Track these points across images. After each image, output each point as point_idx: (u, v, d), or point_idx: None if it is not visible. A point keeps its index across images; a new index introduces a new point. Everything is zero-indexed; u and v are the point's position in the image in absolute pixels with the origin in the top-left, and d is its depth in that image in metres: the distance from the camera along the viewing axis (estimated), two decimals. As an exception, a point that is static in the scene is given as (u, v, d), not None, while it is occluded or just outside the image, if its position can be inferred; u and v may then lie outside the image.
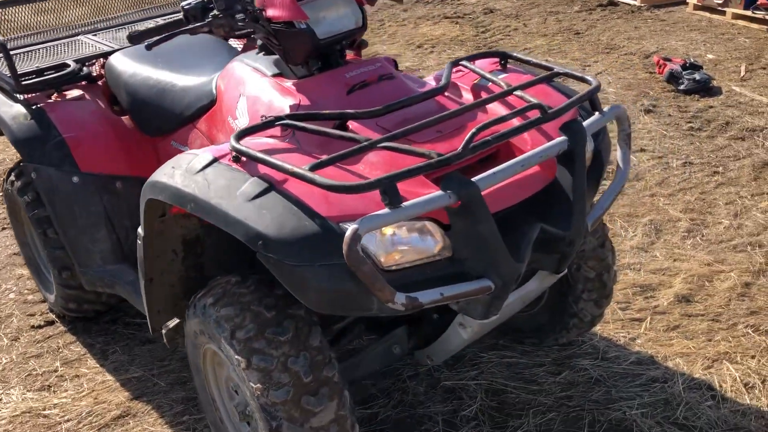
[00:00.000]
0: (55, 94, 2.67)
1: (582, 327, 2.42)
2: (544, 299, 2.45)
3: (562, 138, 1.75)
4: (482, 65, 2.21)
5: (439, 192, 1.53)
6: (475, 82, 2.11)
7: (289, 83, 1.99)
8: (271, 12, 1.96)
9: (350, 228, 1.44)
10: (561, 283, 2.34)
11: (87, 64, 2.82)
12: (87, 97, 2.69)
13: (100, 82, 2.77)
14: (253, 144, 1.75)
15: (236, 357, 1.72)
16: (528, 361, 2.51)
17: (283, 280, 1.57)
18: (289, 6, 1.93)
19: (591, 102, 1.90)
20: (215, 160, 1.70)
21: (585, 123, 1.84)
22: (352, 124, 1.85)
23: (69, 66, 2.70)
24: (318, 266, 1.51)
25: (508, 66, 2.18)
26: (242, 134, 1.72)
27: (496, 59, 2.19)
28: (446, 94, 2.02)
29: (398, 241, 1.61)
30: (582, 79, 2.00)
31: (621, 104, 2.00)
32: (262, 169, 1.63)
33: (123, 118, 2.68)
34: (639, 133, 4.20)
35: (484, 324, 1.87)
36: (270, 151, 1.71)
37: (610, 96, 4.78)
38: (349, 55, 2.35)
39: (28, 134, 2.53)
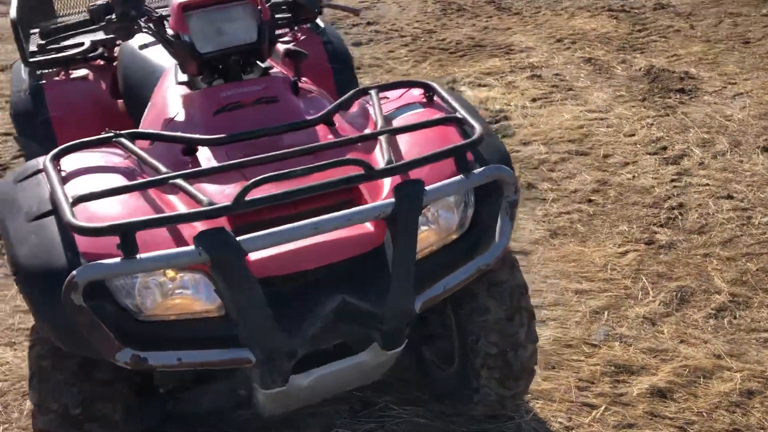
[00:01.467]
0: (62, 73, 2.83)
1: (488, 405, 2.11)
2: (456, 361, 2.18)
3: (386, 201, 1.52)
4: (410, 95, 1.98)
5: (189, 248, 1.41)
6: (386, 114, 1.90)
7: (182, 94, 1.94)
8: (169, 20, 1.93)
9: (70, 274, 1.37)
10: (462, 350, 2.06)
11: (110, 45, 2.96)
12: (91, 78, 2.83)
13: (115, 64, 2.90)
14: (83, 158, 1.72)
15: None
16: (440, 426, 2.25)
17: (31, 312, 1.55)
18: (174, 16, 1.88)
19: (458, 158, 1.61)
20: (38, 171, 1.69)
21: (439, 185, 1.58)
22: (201, 148, 1.77)
23: (83, 45, 2.85)
24: (54, 305, 1.46)
25: (434, 100, 1.93)
26: (69, 148, 1.70)
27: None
28: (337, 124, 1.86)
29: (175, 290, 1.52)
30: (462, 124, 1.72)
31: (504, 167, 1.68)
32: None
33: (119, 102, 2.79)
34: (739, 175, 3.53)
35: (285, 392, 1.69)
36: (79, 171, 1.67)
37: (732, 124, 4.06)
38: (285, 68, 2.24)
39: (23, 108, 2.73)
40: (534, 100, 4.70)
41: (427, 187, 1.55)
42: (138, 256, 1.37)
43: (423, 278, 1.63)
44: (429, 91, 1.91)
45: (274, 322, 1.45)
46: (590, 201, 3.45)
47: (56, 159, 1.64)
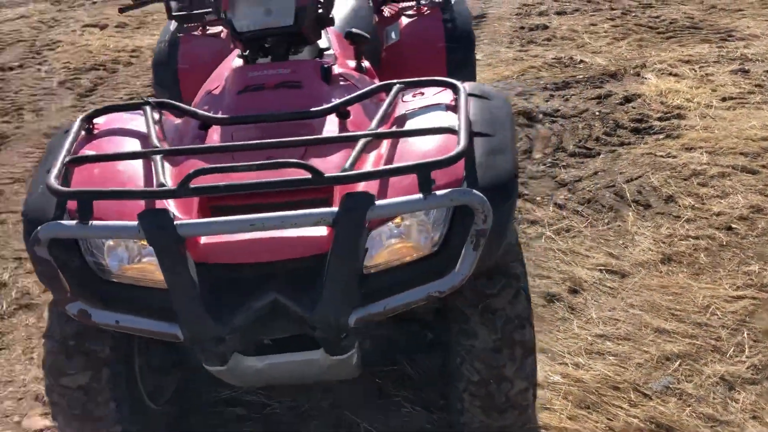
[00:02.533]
0: (199, 29, 3.06)
1: (474, 430, 1.99)
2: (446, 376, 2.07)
3: (328, 210, 1.48)
4: (442, 96, 1.87)
5: (132, 223, 1.50)
6: (406, 113, 1.83)
7: (233, 68, 2.03)
8: None
9: (35, 230, 1.54)
10: (449, 368, 1.96)
11: None
12: (222, 36, 3.02)
13: None
14: (113, 121, 1.88)
15: None
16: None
17: None
18: None
19: (421, 176, 1.50)
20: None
21: (390, 202, 1.50)
22: (214, 126, 1.85)
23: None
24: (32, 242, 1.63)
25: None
26: (104, 110, 1.88)
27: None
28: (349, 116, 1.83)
29: (142, 257, 1.63)
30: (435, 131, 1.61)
31: (473, 192, 1.52)
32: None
33: None
34: None
35: (235, 371, 1.73)
36: (102, 133, 1.83)
37: None
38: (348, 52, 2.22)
39: (159, 58, 3.02)
40: (724, 99, 4.12)
41: (377, 202, 1.47)
42: (90, 222, 1.49)
43: (372, 292, 1.57)
44: (455, 92, 1.79)
45: (202, 306, 1.50)
46: (730, 229, 2.99)
47: (88, 120, 1.81)
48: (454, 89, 1.80)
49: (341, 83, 1.95)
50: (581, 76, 4.70)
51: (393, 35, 2.96)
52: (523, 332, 1.83)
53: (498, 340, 1.80)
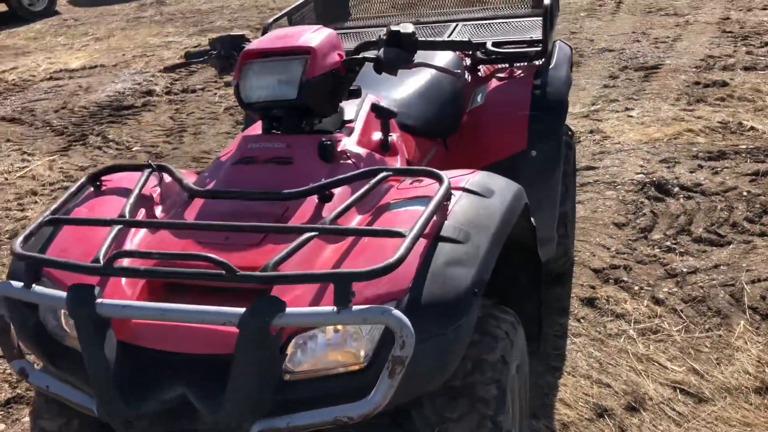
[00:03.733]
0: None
1: None
2: None
3: (236, 310, 1.41)
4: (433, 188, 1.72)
5: (62, 294, 1.52)
6: (390, 202, 1.71)
7: (241, 136, 2.04)
8: None
9: None
10: None
11: None
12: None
13: None
14: (117, 179, 1.94)
15: None
16: None
17: None
18: (237, 62, 1.96)
19: (338, 288, 1.38)
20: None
21: (300, 311, 1.38)
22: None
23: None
24: None
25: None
26: (113, 168, 1.96)
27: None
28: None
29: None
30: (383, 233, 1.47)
31: (392, 313, 1.34)
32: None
33: None
34: None
35: None
36: (106, 191, 1.90)
37: None
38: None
39: None
40: None
41: (288, 309, 1.37)
42: (33, 287, 1.55)
43: (289, 402, 1.46)
44: (440, 184, 1.62)
45: (113, 386, 1.49)
46: None
47: (95, 177, 1.90)
48: (439, 181, 1.63)
49: (343, 162, 1.86)
50: (744, 146, 4.13)
51: (479, 98, 2.79)
52: None
53: None
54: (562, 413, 2.34)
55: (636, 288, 2.98)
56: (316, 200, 1.73)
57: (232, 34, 2.20)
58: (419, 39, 2.01)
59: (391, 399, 1.38)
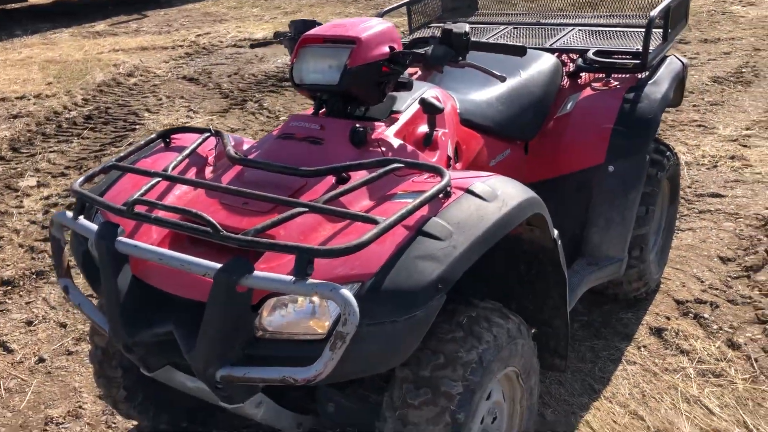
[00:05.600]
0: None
1: None
2: None
3: (214, 265, 1.56)
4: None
5: (92, 227, 1.78)
6: (389, 193, 1.79)
7: (291, 114, 2.20)
8: None
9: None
10: None
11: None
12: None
13: None
14: (183, 138, 2.17)
15: None
16: None
17: None
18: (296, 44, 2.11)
19: (298, 260, 1.49)
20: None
21: (264, 275, 1.51)
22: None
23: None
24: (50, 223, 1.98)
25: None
26: (182, 129, 2.20)
27: None
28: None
29: None
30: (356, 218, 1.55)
31: (341, 293, 1.41)
32: None
33: None
34: None
35: (170, 381, 1.87)
36: (173, 148, 2.14)
37: None
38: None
39: None
40: None
41: (255, 273, 1.51)
42: (78, 219, 1.82)
43: (258, 356, 1.60)
44: (440, 181, 1.67)
45: (118, 313, 1.70)
46: None
47: (166, 134, 2.15)
48: (441, 178, 1.69)
49: (373, 149, 1.95)
50: None
51: (569, 105, 2.74)
52: None
53: None
54: (582, 435, 2.28)
55: (715, 327, 2.78)
56: (333, 180, 1.84)
57: (304, 19, 2.35)
58: (471, 39, 2.04)
59: (336, 371, 1.48)
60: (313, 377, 1.48)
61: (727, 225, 3.54)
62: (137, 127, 5.58)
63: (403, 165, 1.79)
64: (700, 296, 2.98)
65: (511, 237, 2.00)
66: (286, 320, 1.61)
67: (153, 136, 2.13)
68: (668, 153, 2.86)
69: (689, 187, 3.96)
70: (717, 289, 3.03)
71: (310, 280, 1.45)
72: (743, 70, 5.94)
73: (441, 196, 1.69)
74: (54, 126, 5.68)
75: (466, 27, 2.04)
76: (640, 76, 2.75)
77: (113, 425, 2.46)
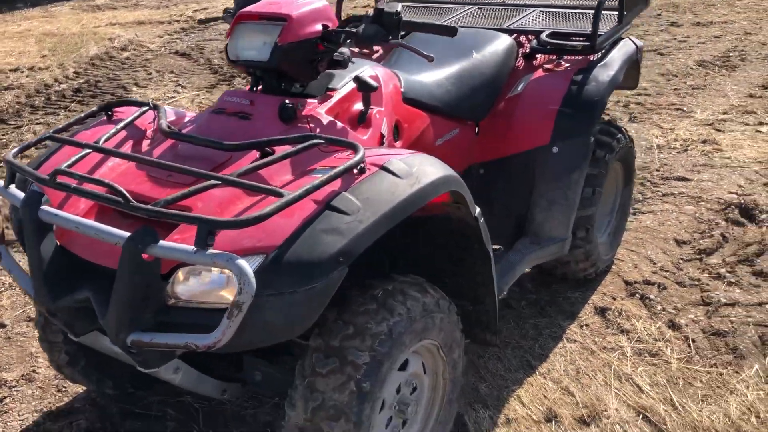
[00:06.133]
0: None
1: None
2: None
3: (121, 234, 1.61)
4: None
5: (21, 194, 1.84)
6: (309, 169, 1.85)
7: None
8: None
9: None
10: None
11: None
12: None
13: None
14: (124, 111, 2.23)
15: None
16: None
17: None
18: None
19: (199, 230, 1.54)
20: None
21: (168, 245, 1.56)
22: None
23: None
24: None
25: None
26: (123, 102, 2.25)
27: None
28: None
29: None
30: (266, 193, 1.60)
31: (238, 263, 1.46)
32: None
33: None
34: None
35: (97, 345, 1.95)
36: (112, 121, 2.20)
37: None
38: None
39: None
40: None
41: (160, 242, 1.56)
42: (8, 187, 1.88)
43: (169, 323, 1.66)
44: (354, 156, 1.72)
45: (41, 279, 1.77)
46: None
47: (108, 107, 2.20)
48: (355, 154, 1.73)
49: (301, 125, 1.99)
50: None
51: (520, 86, 2.77)
52: (335, 425, 1.71)
53: (307, 421, 1.73)
54: (512, 408, 2.34)
55: (659, 308, 2.83)
56: (258, 155, 1.89)
57: None
58: (402, 19, 2.07)
59: (238, 339, 1.54)
60: (213, 344, 1.54)
61: (688, 208, 3.57)
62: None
63: (323, 141, 1.83)
64: (650, 278, 3.02)
65: (441, 216, 2.06)
66: (197, 289, 1.66)
67: (94, 109, 2.19)
68: (619, 135, 2.88)
69: (657, 170, 3.99)
70: (667, 271, 3.07)
71: (210, 251, 1.51)
72: (731, 54, 5.91)
73: (356, 171, 1.73)
74: (43, 98, 5.75)
75: (399, 6, 2.07)
76: (591, 58, 2.77)
77: (63, 389, 2.54)
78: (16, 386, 2.58)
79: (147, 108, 2.17)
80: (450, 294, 2.24)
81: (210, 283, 1.66)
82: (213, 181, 1.69)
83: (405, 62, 2.63)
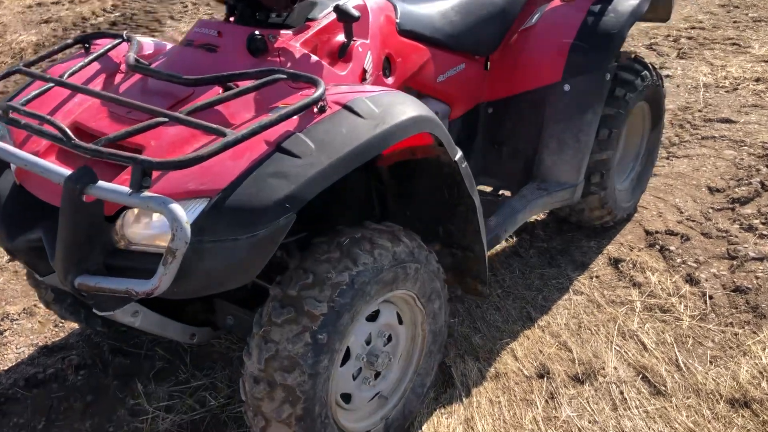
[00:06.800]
0: None
1: None
2: None
3: (62, 172, 1.54)
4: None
5: None
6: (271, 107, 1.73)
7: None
8: None
9: None
10: None
11: None
12: None
13: None
14: (100, 43, 2.14)
15: None
16: None
17: None
18: None
19: (135, 173, 1.45)
20: None
21: (104, 186, 1.48)
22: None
23: None
24: None
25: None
26: (99, 34, 2.16)
27: None
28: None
29: None
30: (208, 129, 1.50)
31: (171, 207, 1.37)
32: None
33: None
34: None
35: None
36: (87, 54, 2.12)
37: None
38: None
39: None
40: None
41: (99, 183, 1.48)
42: None
43: (118, 267, 1.60)
44: (314, 92, 1.59)
45: (1, 218, 1.73)
46: None
47: (84, 39, 2.12)
48: (315, 90, 1.60)
49: (272, 59, 1.86)
50: None
51: (535, 17, 2.55)
52: (288, 376, 1.64)
53: (260, 371, 1.66)
54: (504, 362, 2.23)
55: (678, 261, 2.63)
56: (221, 91, 1.78)
57: None
58: None
59: (178, 286, 1.46)
60: (151, 291, 1.47)
61: (728, 153, 3.30)
62: (156, 34, 5.59)
63: (284, 76, 1.71)
64: (674, 227, 2.81)
65: (432, 159, 1.92)
66: (144, 233, 1.59)
67: (69, 41, 2.11)
68: (644, 72, 2.64)
69: (700, 111, 3.69)
70: (694, 221, 2.85)
71: (145, 193, 1.42)
72: (803, -17, 5.40)
73: (315, 110, 1.61)
74: (78, 32, 5.74)
75: None
76: (615, -14, 2.51)
77: (60, 325, 2.56)
78: (17, 319, 2.61)
79: (120, 41, 2.07)
80: (443, 241, 2.12)
81: (153, 226, 1.58)
82: (160, 119, 1.60)
83: None
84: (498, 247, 2.73)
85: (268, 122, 1.51)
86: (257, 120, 1.60)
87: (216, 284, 1.55)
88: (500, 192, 2.66)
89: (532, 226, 2.85)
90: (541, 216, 2.84)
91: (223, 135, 1.48)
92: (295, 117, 1.58)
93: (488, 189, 2.68)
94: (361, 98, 1.68)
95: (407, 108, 1.72)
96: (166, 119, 1.59)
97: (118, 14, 6.12)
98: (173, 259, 1.41)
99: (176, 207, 1.39)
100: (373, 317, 1.85)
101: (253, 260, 1.53)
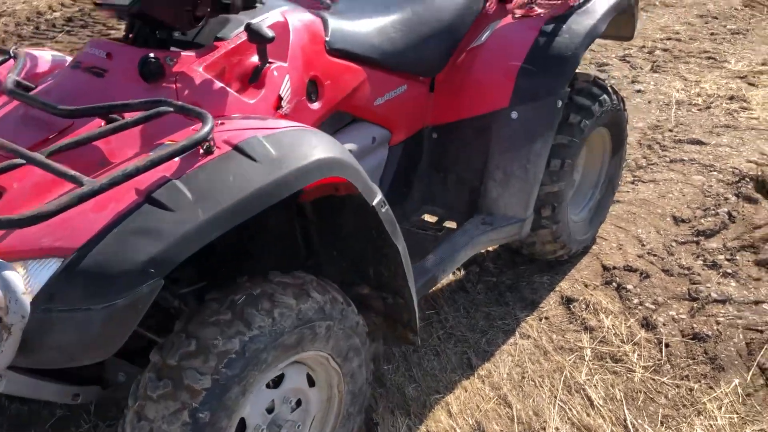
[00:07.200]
0: None
1: None
2: None
3: None
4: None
5: None
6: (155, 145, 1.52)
7: None
8: None
9: None
10: None
11: None
12: None
13: None
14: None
15: None
16: None
17: None
18: None
19: None
20: None
21: None
22: None
23: None
24: None
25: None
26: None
27: None
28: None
29: None
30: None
31: (6, 276, 1.18)
32: None
33: None
34: None
35: None
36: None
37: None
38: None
39: None
40: None
41: None
42: None
43: None
44: (199, 130, 1.37)
45: None
46: None
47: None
48: (203, 127, 1.38)
49: (167, 85, 1.64)
50: None
51: (484, 36, 2.34)
52: None
53: None
54: (436, 418, 2.02)
55: (635, 302, 2.43)
56: (103, 123, 1.55)
57: None
58: None
59: (26, 359, 1.25)
60: (-7, 363, 1.25)
61: (696, 179, 3.11)
62: (113, 32, 5.33)
63: (171, 109, 1.48)
64: (633, 263, 2.62)
65: (355, 196, 1.71)
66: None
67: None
68: (603, 97, 2.43)
69: (670, 131, 3.50)
70: (656, 255, 2.66)
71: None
72: (784, -6, 5.22)
73: (201, 151, 1.39)
74: (32, 27, 5.48)
75: None
76: (571, 2, 2.30)
77: None
78: None
79: (6, 57, 1.85)
80: (372, 284, 1.92)
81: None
82: (18, 160, 1.38)
83: (357, 5, 2.23)
84: (444, 280, 2.52)
85: (134, 169, 1.29)
86: (130, 163, 1.38)
87: (68, 358, 1.33)
88: (443, 224, 2.45)
89: (482, 258, 2.65)
90: (492, 247, 2.64)
91: (80, 184, 1.26)
92: (175, 159, 1.36)
93: (433, 219, 2.47)
94: (257, 138, 1.45)
95: (313, 149, 1.50)
96: (23, 162, 1.37)
97: (75, 9, 5.85)
98: (8, 335, 1.19)
99: (11, 275, 1.18)
100: (277, 382, 1.64)
101: (111, 334, 1.30)
